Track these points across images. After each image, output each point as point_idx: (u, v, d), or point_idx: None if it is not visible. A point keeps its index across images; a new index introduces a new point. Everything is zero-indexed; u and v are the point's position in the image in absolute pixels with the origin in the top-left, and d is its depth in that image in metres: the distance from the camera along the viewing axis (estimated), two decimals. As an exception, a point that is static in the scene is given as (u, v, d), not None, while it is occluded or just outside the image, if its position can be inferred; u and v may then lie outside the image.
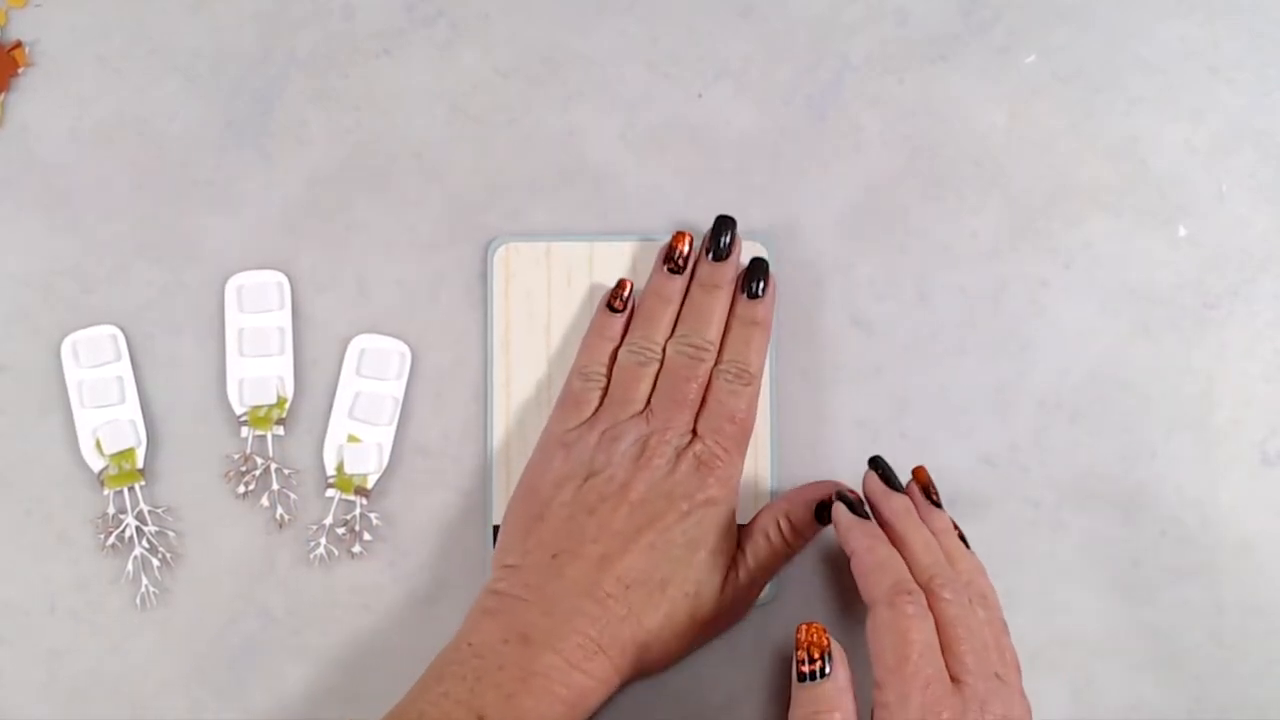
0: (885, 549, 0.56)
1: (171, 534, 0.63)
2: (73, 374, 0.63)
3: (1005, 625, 0.56)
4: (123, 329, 0.64)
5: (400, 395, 0.63)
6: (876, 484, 0.59)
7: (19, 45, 0.64)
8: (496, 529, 0.62)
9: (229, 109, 0.65)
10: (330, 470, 0.63)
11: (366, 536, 0.63)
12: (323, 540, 0.63)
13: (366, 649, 0.63)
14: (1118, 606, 0.63)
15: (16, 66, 0.64)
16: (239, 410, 0.63)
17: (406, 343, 0.64)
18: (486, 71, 0.65)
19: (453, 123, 0.65)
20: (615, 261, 0.63)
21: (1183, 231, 0.64)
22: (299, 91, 0.65)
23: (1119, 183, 0.65)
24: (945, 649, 0.54)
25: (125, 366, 0.63)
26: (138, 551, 0.63)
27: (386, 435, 0.63)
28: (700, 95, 0.65)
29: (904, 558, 0.56)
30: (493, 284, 0.63)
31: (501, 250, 0.63)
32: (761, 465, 0.63)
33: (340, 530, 0.63)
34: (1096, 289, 0.64)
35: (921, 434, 0.64)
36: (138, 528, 0.63)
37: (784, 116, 0.65)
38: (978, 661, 0.53)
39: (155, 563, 0.63)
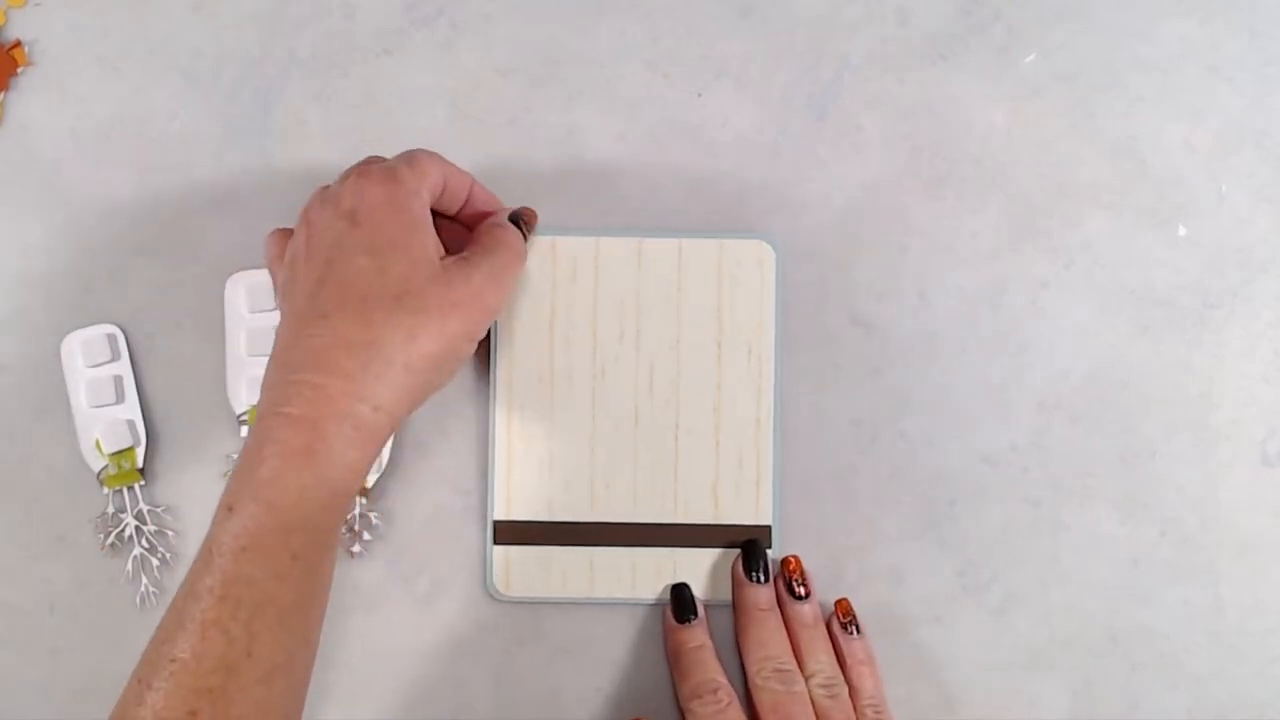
0: (688, 656, 0.60)
1: (171, 533, 0.63)
2: (73, 374, 0.63)
3: (875, 711, 0.60)
4: (123, 329, 0.64)
5: (400, 395, 0.63)
6: (738, 572, 0.62)
7: (19, 45, 0.64)
8: (497, 525, 0.62)
9: (229, 109, 0.65)
10: (330, 470, 0.63)
11: (366, 536, 0.63)
12: (322, 540, 0.63)
13: (366, 649, 0.63)
14: (1118, 606, 0.63)
15: (16, 66, 0.64)
16: (239, 410, 0.63)
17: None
18: (486, 71, 0.65)
19: (453, 123, 0.65)
20: (620, 257, 0.63)
21: (1183, 231, 0.64)
22: (299, 91, 0.65)
23: (1119, 183, 0.65)
24: None
25: (125, 366, 0.63)
26: (137, 551, 0.63)
27: (386, 435, 0.63)
28: (700, 95, 0.65)
29: (742, 649, 0.61)
30: None
31: None
32: (764, 465, 0.63)
33: (340, 530, 0.63)
34: (1096, 289, 0.64)
35: (921, 434, 0.64)
36: (137, 527, 0.63)
37: (784, 116, 0.65)
38: None
39: (155, 562, 0.63)
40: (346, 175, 0.56)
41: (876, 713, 0.60)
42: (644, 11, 0.65)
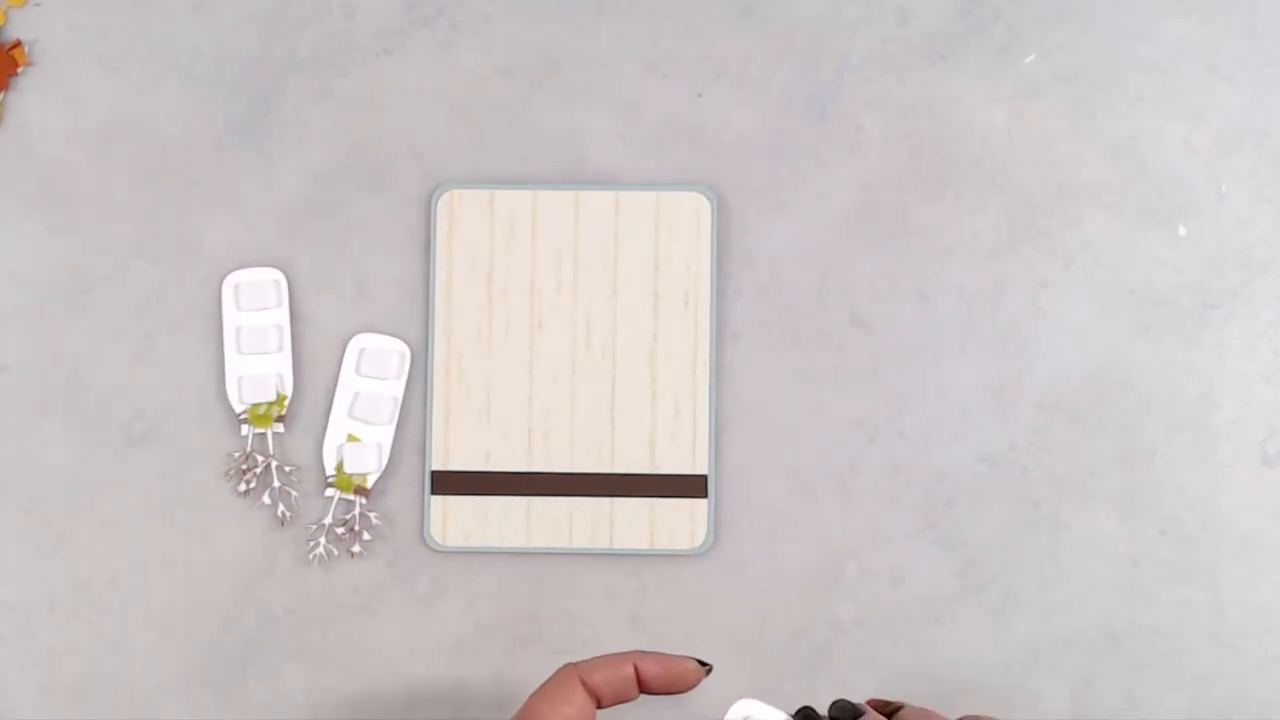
0: None
1: (172, 532, 0.63)
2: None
3: None
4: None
5: (400, 395, 0.63)
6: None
7: (19, 45, 0.65)
8: (435, 475, 0.63)
9: (229, 109, 0.65)
10: (330, 470, 0.63)
11: (366, 536, 0.63)
12: (322, 540, 0.63)
13: (366, 649, 0.63)
14: (1118, 606, 0.63)
15: (16, 66, 0.64)
16: (238, 408, 0.63)
17: (406, 342, 0.64)
18: (486, 71, 0.65)
19: (453, 123, 0.65)
20: (558, 209, 0.64)
21: (1183, 231, 0.64)
22: (299, 91, 0.65)
23: (1119, 183, 0.65)
24: None
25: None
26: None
27: (386, 435, 0.63)
28: (700, 95, 0.65)
29: None
30: (435, 231, 0.64)
31: (445, 197, 0.64)
32: (701, 415, 0.63)
33: (340, 530, 0.63)
34: (1096, 289, 0.64)
35: (921, 434, 0.64)
36: (137, 527, 0.63)
37: (784, 116, 0.65)
38: None
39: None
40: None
41: None
42: (644, 11, 0.65)
